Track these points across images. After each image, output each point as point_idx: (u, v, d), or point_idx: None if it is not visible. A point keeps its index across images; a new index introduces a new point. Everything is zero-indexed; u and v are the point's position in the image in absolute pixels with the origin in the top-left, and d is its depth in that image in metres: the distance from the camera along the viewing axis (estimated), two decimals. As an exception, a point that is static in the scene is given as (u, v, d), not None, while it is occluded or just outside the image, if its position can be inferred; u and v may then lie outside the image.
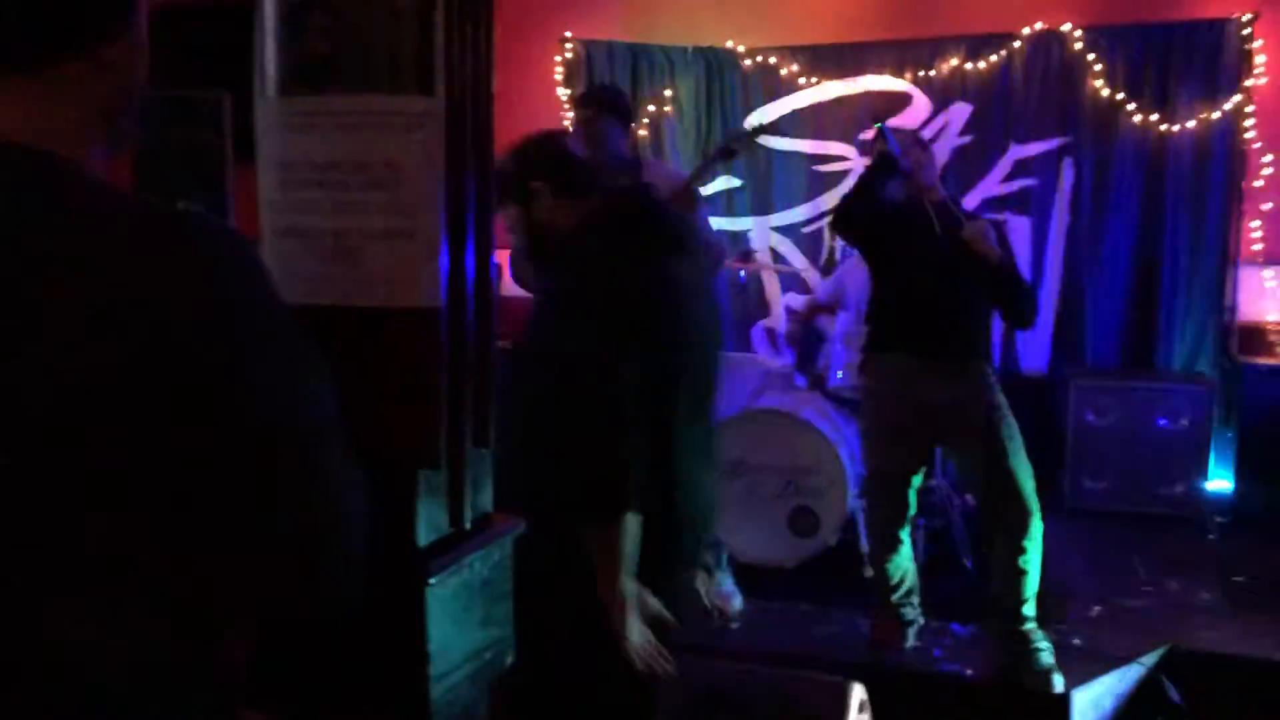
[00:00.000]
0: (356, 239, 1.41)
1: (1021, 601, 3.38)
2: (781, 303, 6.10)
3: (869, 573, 4.09)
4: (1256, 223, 5.33)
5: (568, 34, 6.05)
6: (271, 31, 1.43)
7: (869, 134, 3.65)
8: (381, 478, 1.27)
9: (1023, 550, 3.35)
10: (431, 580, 1.41)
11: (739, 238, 6.01)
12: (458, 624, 1.48)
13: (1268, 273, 5.36)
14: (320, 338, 1.17)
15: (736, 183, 6.03)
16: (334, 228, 1.41)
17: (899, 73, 5.70)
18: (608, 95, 3.92)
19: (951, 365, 3.45)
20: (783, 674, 2.90)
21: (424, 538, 1.46)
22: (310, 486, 0.99)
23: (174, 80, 3.36)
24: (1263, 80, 5.24)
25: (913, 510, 3.60)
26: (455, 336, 1.49)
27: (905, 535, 3.60)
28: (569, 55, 6.08)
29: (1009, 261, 3.52)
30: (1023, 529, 3.34)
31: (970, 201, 5.43)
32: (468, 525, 1.51)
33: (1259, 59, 5.22)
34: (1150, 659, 3.53)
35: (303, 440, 0.99)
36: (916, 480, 3.58)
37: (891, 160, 3.51)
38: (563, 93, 6.08)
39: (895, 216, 3.57)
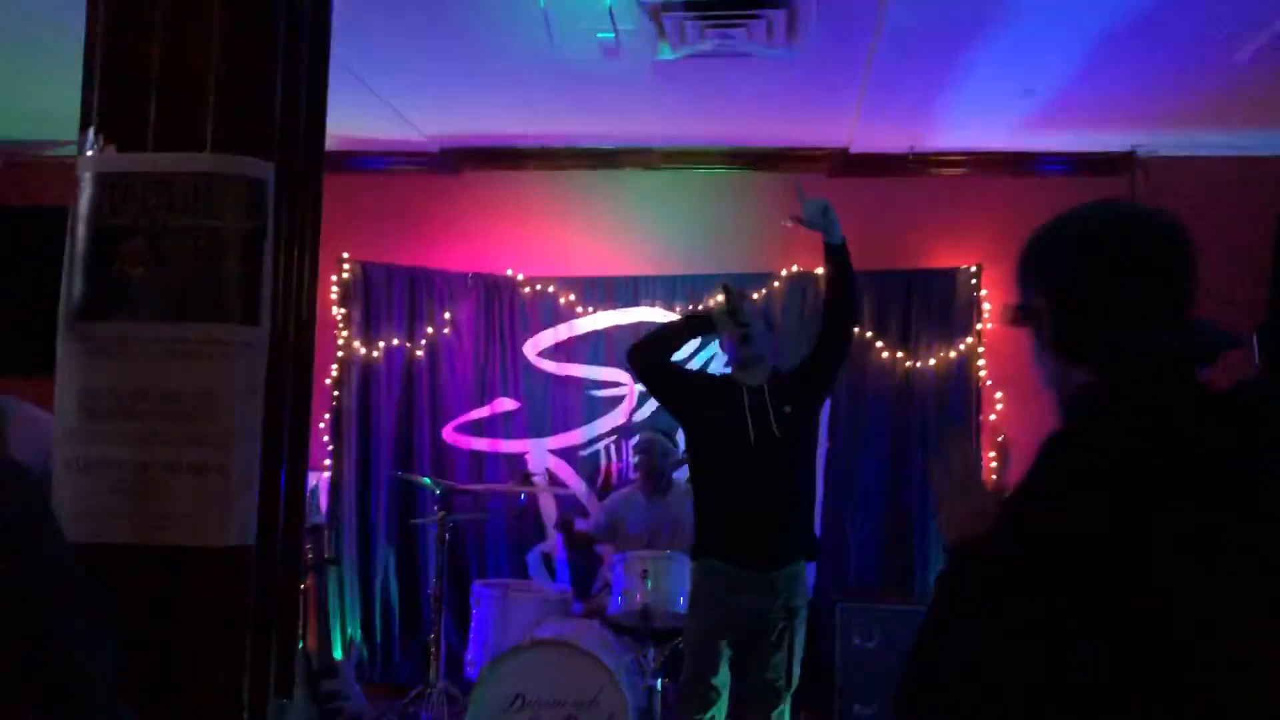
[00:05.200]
0: (162, 473, 1.31)
1: None
2: (556, 518, 6.07)
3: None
4: (992, 454, 5.82)
5: (345, 255, 6.05)
6: (81, 253, 1.35)
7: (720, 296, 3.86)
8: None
9: None
10: None
11: (516, 460, 6.00)
12: None
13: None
14: (115, 579, 1.06)
15: (514, 405, 6.06)
16: (137, 460, 1.31)
17: (669, 306, 5.99)
18: None
19: (770, 575, 3.60)
20: None
21: (219, 806, 1.30)
22: None
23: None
24: (989, 325, 5.85)
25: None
26: (264, 577, 1.39)
27: None
28: (346, 275, 6.06)
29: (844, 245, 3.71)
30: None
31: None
32: (268, 789, 1.37)
33: (986, 306, 5.84)
34: None
35: (65, 693, 0.88)
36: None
37: (734, 321, 3.73)
38: (338, 312, 6.03)
39: (713, 421, 3.70)
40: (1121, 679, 1.19)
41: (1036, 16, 4.15)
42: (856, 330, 4.01)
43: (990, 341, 5.84)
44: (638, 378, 3.92)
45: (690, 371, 4.08)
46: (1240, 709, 1.18)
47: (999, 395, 5.84)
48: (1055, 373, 1.41)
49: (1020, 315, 1.43)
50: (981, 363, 5.80)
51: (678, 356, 4.14)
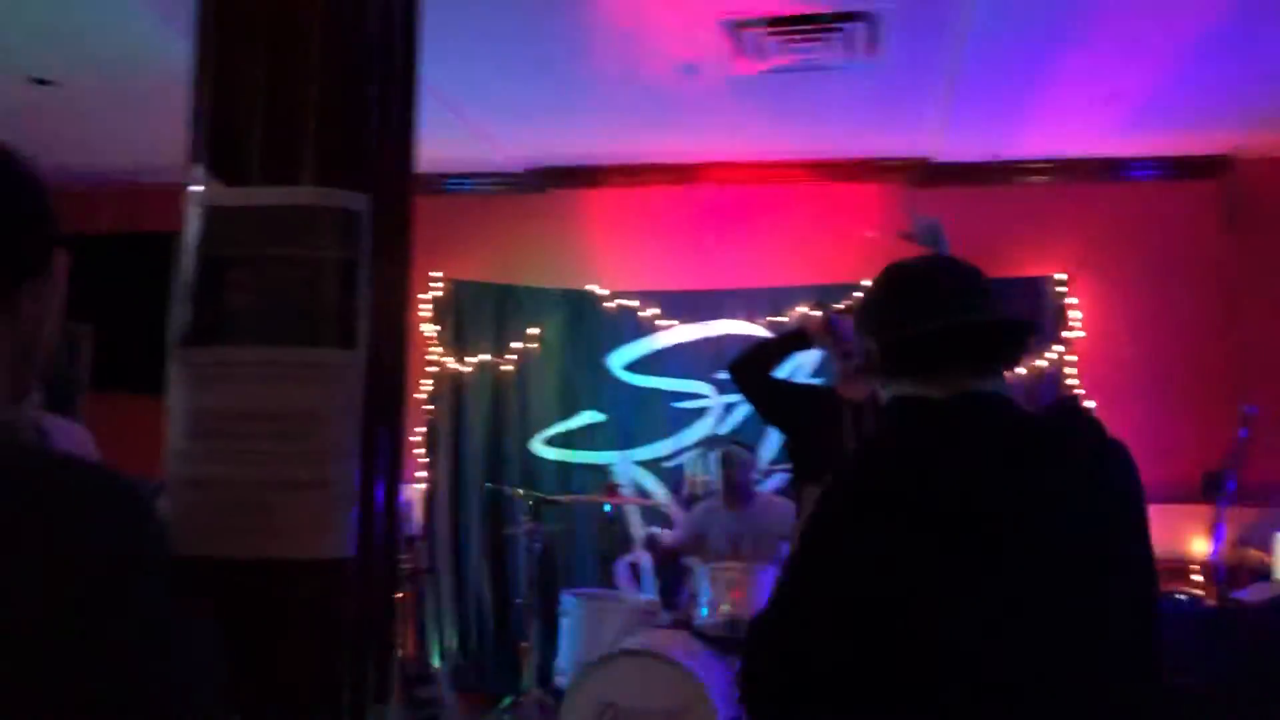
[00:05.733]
0: (265, 490, 1.39)
1: None
2: (643, 537, 6.13)
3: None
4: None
5: (437, 273, 6.20)
6: (189, 283, 1.44)
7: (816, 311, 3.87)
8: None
9: None
10: None
11: (603, 471, 6.08)
12: None
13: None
14: (219, 591, 1.13)
15: (600, 418, 6.14)
16: (243, 478, 1.39)
17: (752, 319, 6.01)
18: None
19: None
20: None
21: (321, 807, 1.38)
22: None
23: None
24: (1080, 334, 5.75)
25: None
26: (363, 587, 1.46)
27: None
28: (437, 293, 6.22)
29: None
30: None
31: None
32: (367, 792, 1.44)
33: (1075, 315, 5.75)
34: None
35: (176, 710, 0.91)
36: None
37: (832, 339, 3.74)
38: (430, 329, 6.18)
39: (813, 434, 3.72)
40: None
41: (1122, 19, 4.10)
42: None
43: (1081, 350, 5.74)
44: (740, 393, 3.98)
45: (792, 385, 4.11)
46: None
47: (1091, 404, 5.74)
48: (888, 395, 1.71)
49: (864, 363, 1.74)
50: (1072, 371, 5.70)
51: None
